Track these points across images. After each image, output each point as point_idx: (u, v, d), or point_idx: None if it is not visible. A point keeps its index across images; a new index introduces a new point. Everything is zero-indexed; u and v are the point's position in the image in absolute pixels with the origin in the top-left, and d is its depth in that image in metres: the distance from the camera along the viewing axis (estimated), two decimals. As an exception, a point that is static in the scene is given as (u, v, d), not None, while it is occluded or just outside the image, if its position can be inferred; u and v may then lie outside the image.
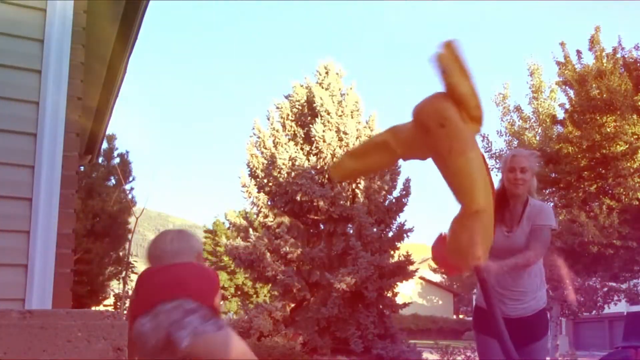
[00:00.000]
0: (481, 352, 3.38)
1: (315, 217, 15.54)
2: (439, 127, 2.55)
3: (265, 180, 15.73)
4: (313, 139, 15.61)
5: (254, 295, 30.02)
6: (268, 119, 16.38)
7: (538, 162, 3.47)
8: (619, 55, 14.75)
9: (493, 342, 3.20)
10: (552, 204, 14.71)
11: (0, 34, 2.97)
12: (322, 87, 16.33)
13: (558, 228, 3.60)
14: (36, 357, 1.84)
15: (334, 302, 14.37)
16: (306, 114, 16.27)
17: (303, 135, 16.22)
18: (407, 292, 32.71)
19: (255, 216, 16.39)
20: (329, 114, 15.71)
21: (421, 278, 37.55)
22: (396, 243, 15.91)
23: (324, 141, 15.44)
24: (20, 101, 2.95)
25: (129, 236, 14.03)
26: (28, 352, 1.83)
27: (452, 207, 2.73)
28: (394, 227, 16.09)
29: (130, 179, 14.80)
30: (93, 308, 12.73)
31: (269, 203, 15.70)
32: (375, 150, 2.85)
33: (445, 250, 2.97)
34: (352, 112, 16.27)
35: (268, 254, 14.94)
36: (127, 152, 14.90)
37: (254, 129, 16.25)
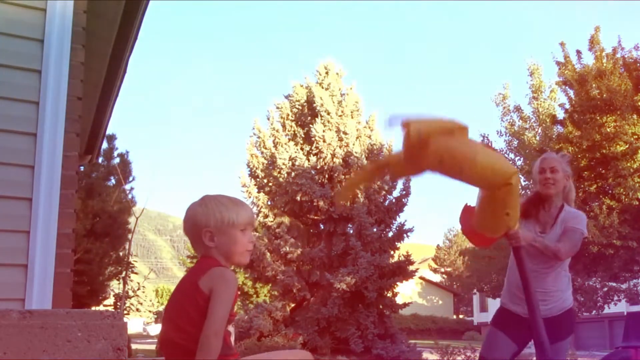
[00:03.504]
0: (488, 342, 3.41)
1: (315, 217, 15.54)
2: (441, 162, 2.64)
3: (265, 180, 15.74)
4: (313, 139, 15.62)
5: (254, 295, 30.02)
6: (268, 119, 16.39)
7: (569, 166, 3.49)
8: (618, 55, 14.75)
9: (505, 338, 3.30)
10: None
11: (0, 34, 2.97)
12: (322, 87, 16.33)
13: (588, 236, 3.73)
14: (36, 357, 1.84)
15: (334, 302, 14.37)
16: (306, 114, 16.27)
17: (303, 135, 16.22)
18: (407, 292, 32.74)
19: (255, 216, 16.39)
20: (329, 114, 15.72)
21: (421, 278, 37.58)
22: (396, 243, 15.92)
23: (324, 141, 15.44)
24: (20, 101, 2.95)
25: (129, 236, 14.02)
26: (28, 352, 1.83)
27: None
28: (394, 227, 16.10)
29: (130, 179, 14.78)
30: (93, 308, 12.73)
31: (269, 203, 15.70)
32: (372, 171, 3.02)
33: (474, 221, 3.02)
34: (352, 112, 16.28)
35: (268, 254, 14.94)
36: (127, 152, 14.86)
37: (254, 129, 16.27)
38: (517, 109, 18.10)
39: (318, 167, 15.44)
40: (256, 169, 15.91)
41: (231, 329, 1.92)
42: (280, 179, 15.35)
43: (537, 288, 3.21)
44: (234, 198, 2.01)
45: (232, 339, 1.92)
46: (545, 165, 3.32)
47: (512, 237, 2.99)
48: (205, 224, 1.91)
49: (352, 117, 16.20)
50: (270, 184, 15.64)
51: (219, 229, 1.91)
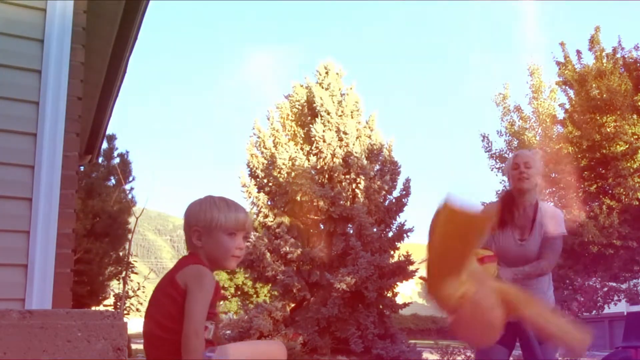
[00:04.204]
0: (480, 353, 3.42)
1: (315, 217, 15.53)
2: None
3: (265, 180, 15.73)
4: (313, 139, 15.61)
5: (254, 295, 30.03)
6: (268, 119, 16.39)
7: (541, 162, 3.47)
8: (619, 55, 14.75)
9: (496, 346, 3.25)
10: (551, 203, 14.70)
11: (0, 34, 2.97)
12: (322, 87, 16.33)
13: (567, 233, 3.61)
14: (36, 357, 1.84)
15: (334, 302, 14.37)
16: (306, 114, 16.27)
17: (303, 135, 16.22)
18: (407, 292, 32.73)
19: (255, 216, 16.39)
20: (329, 114, 15.72)
21: (421, 278, 37.20)
22: (396, 243, 15.90)
23: (324, 141, 15.44)
24: (20, 101, 2.95)
25: (129, 236, 14.01)
26: (28, 352, 1.83)
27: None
28: (394, 227, 16.09)
29: (130, 179, 14.78)
30: (93, 308, 12.72)
31: (269, 203, 15.70)
32: None
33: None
34: (352, 112, 16.27)
35: (268, 254, 14.94)
36: (127, 152, 14.86)
37: (254, 129, 16.27)
38: (517, 109, 18.07)
39: (318, 167, 15.44)
40: (256, 169, 15.91)
41: (211, 325, 1.92)
42: (280, 179, 15.35)
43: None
44: (232, 201, 1.99)
45: (210, 334, 1.92)
46: (519, 160, 3.32)
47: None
48: (195, 223, 1.93)
49: (352, 117, 16.20)
50: (270, 184, 15.64)
51: (205, 230, 1.92)
